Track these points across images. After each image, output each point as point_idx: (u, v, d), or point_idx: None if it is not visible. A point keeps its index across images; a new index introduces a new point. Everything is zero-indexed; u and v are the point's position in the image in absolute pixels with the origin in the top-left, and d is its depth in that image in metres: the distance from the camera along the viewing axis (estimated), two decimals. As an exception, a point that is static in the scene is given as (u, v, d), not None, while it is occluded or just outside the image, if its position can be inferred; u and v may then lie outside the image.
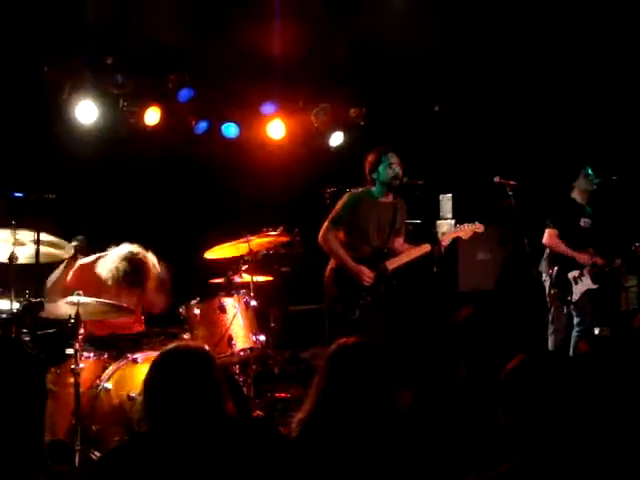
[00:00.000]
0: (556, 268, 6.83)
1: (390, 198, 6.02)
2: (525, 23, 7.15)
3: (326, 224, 5.89)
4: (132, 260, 4.99)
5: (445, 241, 6.08)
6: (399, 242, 6.17)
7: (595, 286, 6.81)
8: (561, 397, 2.57)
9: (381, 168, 5.90)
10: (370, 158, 5.99)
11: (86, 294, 4.58)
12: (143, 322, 5.40)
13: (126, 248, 5.05)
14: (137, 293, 5.12)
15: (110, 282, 4.97)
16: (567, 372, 2.63)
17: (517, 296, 7.39)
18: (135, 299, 5.16)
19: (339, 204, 5.97)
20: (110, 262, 5.02)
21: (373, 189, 6.00)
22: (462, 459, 3.10)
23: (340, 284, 5.83)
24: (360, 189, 6.04)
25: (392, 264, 5.93)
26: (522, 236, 6.22)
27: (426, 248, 5.99)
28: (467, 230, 6.21)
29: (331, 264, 5.92)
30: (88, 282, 4.92)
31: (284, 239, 6.47)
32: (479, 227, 6.22)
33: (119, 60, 7.22)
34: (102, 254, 5.16)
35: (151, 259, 5.10)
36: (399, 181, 5.91)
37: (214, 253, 6.12)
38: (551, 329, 6.88)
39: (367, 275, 5.77)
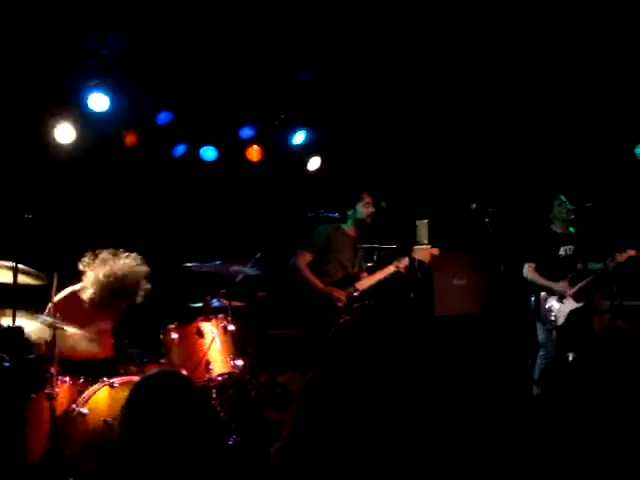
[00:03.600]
0: (539, 296, 6.92)
1: (354, 233, 6.56)
2: (500, 51, 7.24)
3: (299, 251, 6.37)
4: (114, 279, 5.03)
5: (403, 263, 6.38)
6: (364, 275, 6.63)
7: (580, 304, 6.87)
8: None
9: (358, 207, 6.44)
10: (348, 196, 6.52)
11: (73, 317, 4.66)
12: (112, 348, 5.36)
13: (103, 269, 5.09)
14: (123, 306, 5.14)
15: (96, 300, 5.00)
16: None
17: (498, 320, 7.45)
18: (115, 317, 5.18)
19: (314, 233, 6.48)
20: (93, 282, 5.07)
21: (343, 224, 6.54)
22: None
23: (314, 304, 6.24)
24: (332, 223, 6.59)
25: (361, 285, 6.40)
26: (498, 262, 6.28)
27: (390, 269, 6.44)
28: (424, 254, 6.49)
29: (304, 288, 6.32)
30: (73, 308, 4.92)
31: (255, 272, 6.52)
32: (435, 250, 6.53)
33: (99, 81, 7.20)
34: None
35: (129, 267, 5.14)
36: (370, 219, 6.45)
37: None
38: (541, 353, 6.94)
39: (340, 295, 6.23)
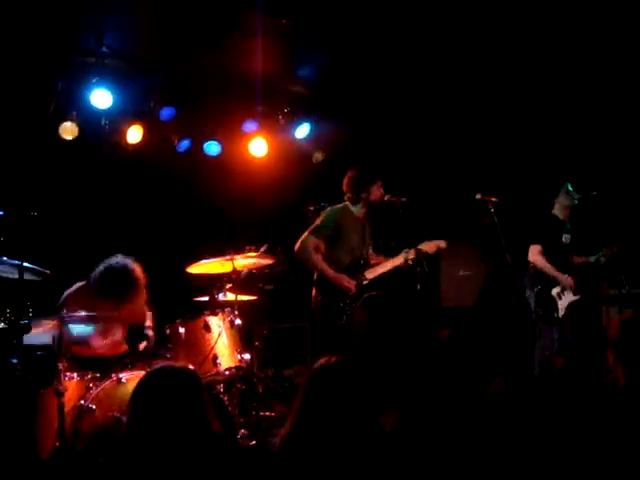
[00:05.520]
0: (539, 287, 6.87)
1: (363, 215, 6.43)
2: (505, 42, 7.21)
3: (304, 235, 6.20)
4: (116, 270, 5.06)
5: (411, 255, 6.25)
6: (374, 259, 6.47)
7: (576, 297, 6.85)
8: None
9: (374, 188, 6.31)
10: (361, 176, 6.36)
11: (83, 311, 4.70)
12: (123, 343, 5.39)
13: (112, 260, 5.13)
14: (124, 304, 5.14)
15: (97, 293, 5.03)
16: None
17: (501, 312, 7.43)
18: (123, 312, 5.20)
19: (321, 218, 6.30)
20: (97, 272, 5.09)
21: (349, 204, 6.39)
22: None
23: (326, 292, 6.12)
24: (339, 205, 6.41)
25: (370, 274, 6.25)
26: (504, 252, 6.26)
27: (399, 260, 6.27)
28: (431, 245, 6.38)
29: (315, 275, 6.21)
30: (83, 304, 4.95)
31: (267, 260, 6.45)
32: (442, 243, 6.42)
33: (102, 78, 7.20)
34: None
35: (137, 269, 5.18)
36: (376, 202, 6.36)
37: (197, 268, 6.09)
38: (538, 346, 6.88)
39: (350, 285, 6.09)
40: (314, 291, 6.20)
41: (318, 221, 6.27)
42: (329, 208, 6.40)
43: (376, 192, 6.30)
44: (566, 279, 6.85)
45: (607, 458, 2.88)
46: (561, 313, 6.81)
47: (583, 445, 2.87)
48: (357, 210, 6.38)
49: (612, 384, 3.40)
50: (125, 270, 5.10)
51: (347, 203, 6.39)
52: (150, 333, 5.55)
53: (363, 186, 6.31)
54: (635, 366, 3.28)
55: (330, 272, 6.09)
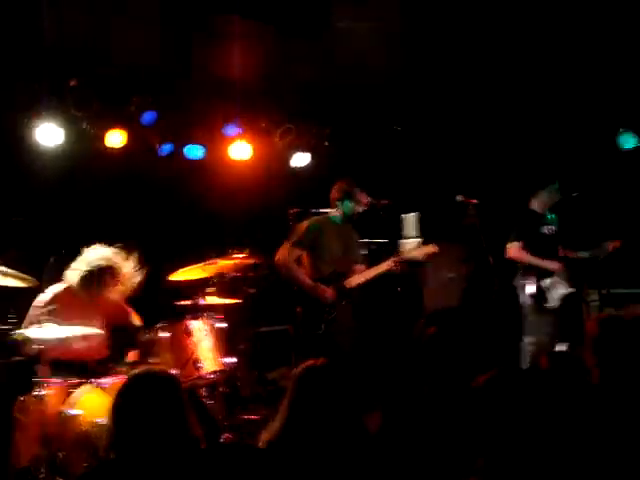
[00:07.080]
0: (534, 278, 6.82)
1: (346, 223, 6.45)
2: (482, 43, 7.26)
3: (285, 246, 6.27)
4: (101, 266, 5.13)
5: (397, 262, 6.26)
6: (358, 267, 6.47)
7: (573, 289, 6.82)
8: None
9: (347, 202, 6.32)
10: (339, 188, 6.39)
11: (65, 315, 4.71)
12: (108, 347, 5.38)
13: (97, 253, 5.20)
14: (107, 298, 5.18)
15: (79, 287, 5.06)
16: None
17: (482, 312, 7.45)
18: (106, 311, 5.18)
19: (301, 228, 6.33)
20: (79, 265, 5.15)
21: (332, 215, 6.43)
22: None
23: (305, 301, 6.18)
24: (321, 216, 6.47)
25: (350, 282, 6.27)
26: (485, 253, 6.28)
27: (383, 267, 6.26)
28: (420, 251, 6.38)
29: (295, 287, 6.25)
30: (68, 303, 4.94)
31: (250, 262, 6.46)
32: (434, 248, 6.37)
33: (82, 82, 7.18)
34: None
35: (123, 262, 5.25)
36: (357, 216, 6.38)
37: (180, 275, 6.09)
38: (528, 339, 6.81)
39: (325, 292, 6.12)
40: (296, 300, 6.24)
41: (299, 231, 6.32)
42: (310, 219, 6.43)
43: (360, 203, 6.31)
44: (553, 264, 6.79)
45: (585, 454, 2.90)
46: (555, 304, 6.74)
47: (565, 441, 2.88)
48: (340, 220, 6.41)
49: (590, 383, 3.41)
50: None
51: (329, 214, 6.45)
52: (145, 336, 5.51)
53: (347, 198, 6.32)
54: (611, 365, 3.28)
55: (307, 282, 6.17)
